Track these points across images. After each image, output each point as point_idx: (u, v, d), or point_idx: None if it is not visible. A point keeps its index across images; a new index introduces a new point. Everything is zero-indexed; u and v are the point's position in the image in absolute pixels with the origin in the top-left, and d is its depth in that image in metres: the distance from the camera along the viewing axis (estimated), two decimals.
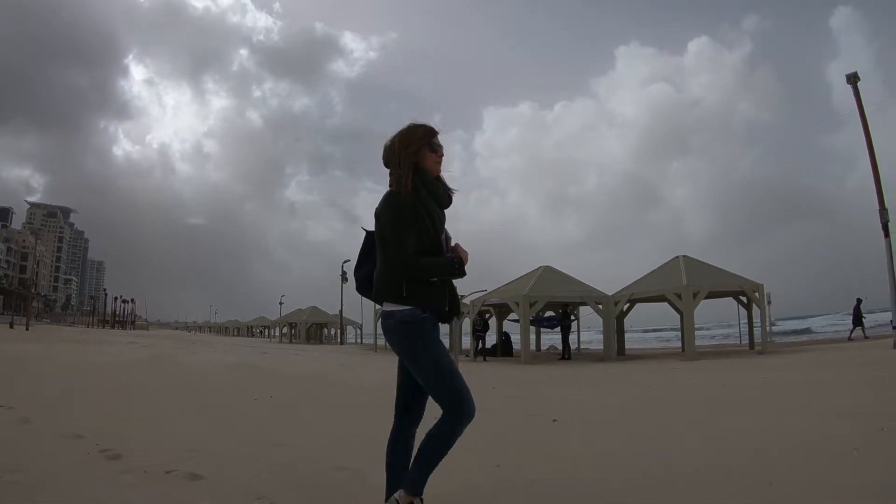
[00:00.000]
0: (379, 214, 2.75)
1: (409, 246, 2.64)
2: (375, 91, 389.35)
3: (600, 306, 18.82)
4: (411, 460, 2.72)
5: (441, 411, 2.63)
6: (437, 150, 2.83)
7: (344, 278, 41.84)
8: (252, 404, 7.02)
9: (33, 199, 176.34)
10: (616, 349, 19.19)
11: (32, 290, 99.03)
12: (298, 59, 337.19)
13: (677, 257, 18.80)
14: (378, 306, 2.80)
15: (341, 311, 42.08)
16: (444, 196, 2.84)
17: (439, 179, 2.87)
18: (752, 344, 19.48)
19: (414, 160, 2.77)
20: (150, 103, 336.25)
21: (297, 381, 10.89)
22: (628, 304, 20.48)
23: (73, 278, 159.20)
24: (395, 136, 2.84)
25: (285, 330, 48.38)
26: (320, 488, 3.43)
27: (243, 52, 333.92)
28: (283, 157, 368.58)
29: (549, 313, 21.72)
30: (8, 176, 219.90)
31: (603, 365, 16.17)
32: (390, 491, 2.71)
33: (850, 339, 20.97)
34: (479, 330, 20.22)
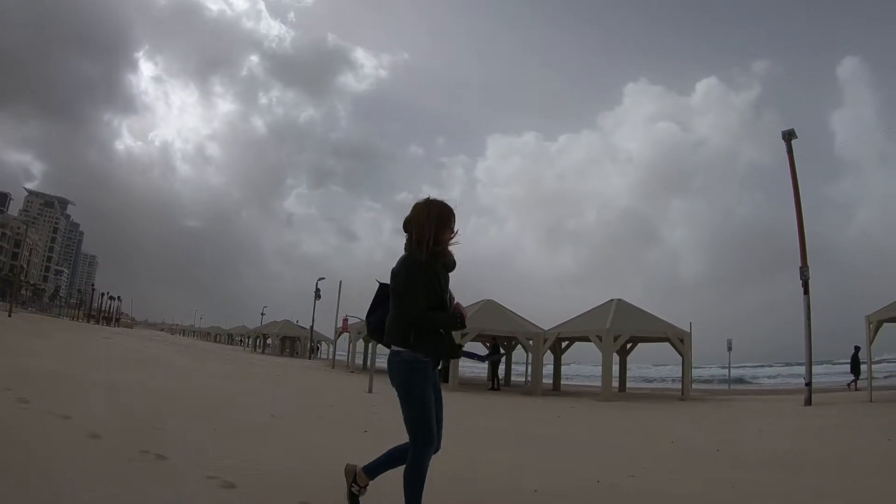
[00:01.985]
0: (396, 274, 3.26)
1: (421, 303, 3.16)
2: (382, 109, 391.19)
3: (530, 342, 19.90)
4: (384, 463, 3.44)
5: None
6: (452, 230, 3.33)
7: (317, 295, 42.99)
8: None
9: (32, 185, 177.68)
10: (541, 383, 20.27)
11: (21, 278, 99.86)
12: (308, 68, 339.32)
13: (611, 300, 19.84)
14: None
15: (312, 327, 43.15)
16: (450, 262, 3.37)
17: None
18: (682, 390, 19.70)
19: (434, 235, 3.24)
20: (157, 100, 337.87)
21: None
22: (567, 342, 21.71)
23: (65, 270, 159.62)
24: (420, 212, 3.29)
25: (269, 341, 48.88)
26: None
27: (254, 58, 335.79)
28: (285, 167, 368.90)
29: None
30: (8, 160, 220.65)
31: (520, 398, 17.19)
32: (374, 465, 3.45)
33: (849, 387, 20.85)
34: (398, 386, 21.21)
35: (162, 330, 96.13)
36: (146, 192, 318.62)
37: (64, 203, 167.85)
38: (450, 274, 3.40)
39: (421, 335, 3.21)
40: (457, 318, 3.27)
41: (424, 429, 3.21)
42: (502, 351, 21.39)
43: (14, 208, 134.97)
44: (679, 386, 21.70)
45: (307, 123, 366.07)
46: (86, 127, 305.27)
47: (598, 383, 19.44)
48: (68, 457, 4.25)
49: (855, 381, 20.75)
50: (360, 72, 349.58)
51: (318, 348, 47.15)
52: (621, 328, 18.11)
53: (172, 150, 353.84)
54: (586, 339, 19.41)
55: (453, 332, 3.37)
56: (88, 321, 70.62)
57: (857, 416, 12.07)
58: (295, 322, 47.77)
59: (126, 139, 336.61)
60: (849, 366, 21.37)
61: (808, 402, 15.17)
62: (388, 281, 3.36)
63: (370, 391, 14.90)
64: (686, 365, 18.91)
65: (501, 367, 22.10)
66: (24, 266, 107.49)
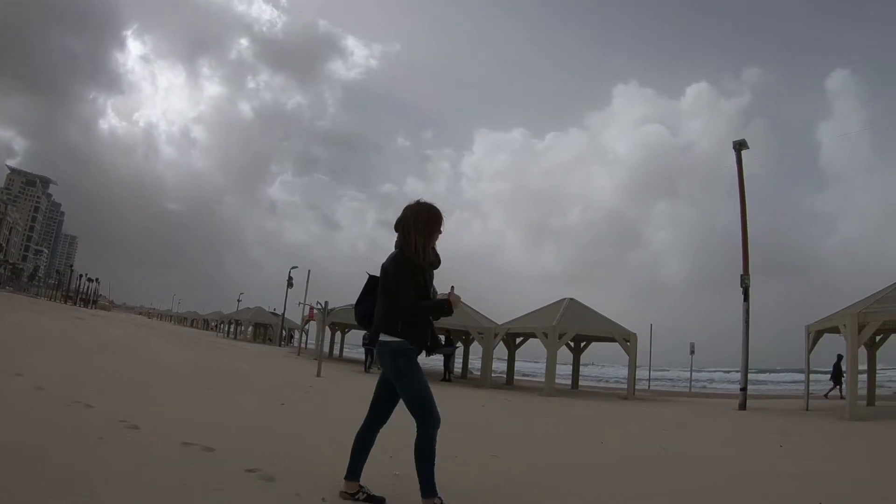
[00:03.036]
0: (386, 269, 3.55)
1: (409, 296, 3.45)
2: (370, 99, 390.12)
3: (482, 336, 20.41)
4: (368, 453, 3.66)
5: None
6: (441, 231, 3.64)
7: (290, 283, 43.30)
8: None
9: (14, 162, 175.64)
10: (490, 375, 20.94)
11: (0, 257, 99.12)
12: (298, 54, 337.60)
13: (563, 299, 20.32)
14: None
15: (283, 315, 43.50)
16: (436, 260, 3.66)
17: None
18: (633, 390, 19.96)
19: (421, 238, 3.52)
20: (143, 80, 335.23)
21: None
22: (522, 338, 22.23)
23: (44, 250, 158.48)
24: (411, 214, 3.57)
25: (244, 328, 48.91)
26: None
27: (243, 41, 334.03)
28: (270, 153, 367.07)
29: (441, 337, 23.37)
30: None
31: (467, 390, 17.67)
32: (352, 470, 3.62)
33: (825, 396, 20.18)
34: (368, 344, 21.76)
35: (140, 314, 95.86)
36: (129, 173, 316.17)
37: (46, 182, 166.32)
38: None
39: (407, 325, 3.46)
40: (444, 304, 3.49)
41: (427, 408, 3.43)
42: (458, 344, 21.89)
43: None
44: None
45: (294, 110, 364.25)
46: (70, 104, 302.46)
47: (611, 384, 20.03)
48: None
49: (835, 387, 20.41)
50: (350, 60, 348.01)
51: (292, 336, 47.39)
52: (567, 326, 18.60)
53: (157, 132, 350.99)
54: (534, 335, 19.95)
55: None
56: (66, 302, 70.47)
57: (772, 423, 12.11)
58: (272, 310, 47.97)
59: (110, 118, 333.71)
60: (830, 374, 21.00)
61: (743, 406, 15.48)
62: (377, 273, 3.64)
63: (319, 375, 15.51)
64: (631, 365, 19.24)
65: (459, 361, 22.67)
66: (4, 245, 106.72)
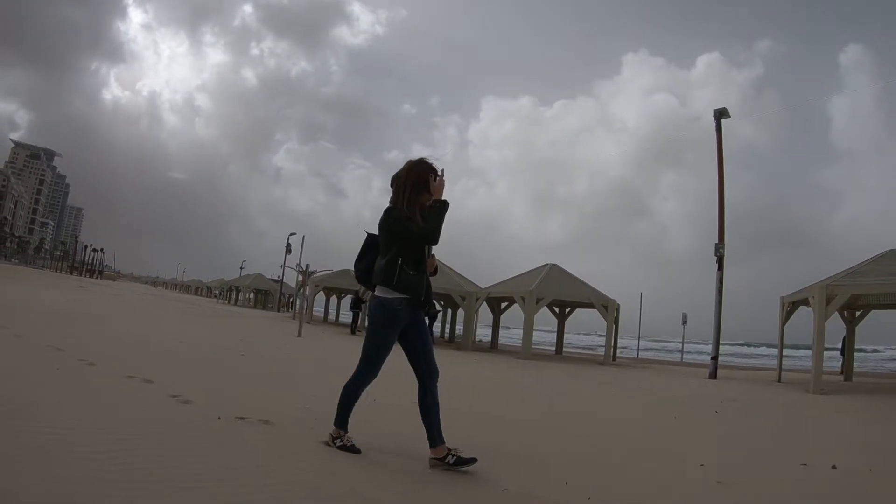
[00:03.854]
0: (382, 223, 3.63)
1: (415, 226, 3.53)
2: (376, 65, 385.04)
3: (464, 300, 20.67)
4: (436, 415, 3.64)
5: (422, 380, 3.67)
6: (430, 192, 3.63)
7: (288, 250, 43.68)
8: None
9: (17, 136, 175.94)
10: (472, 337, 21.46)
11: (5, 230, 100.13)
12: (302, 19, 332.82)
13: (545, 265, 20.54)
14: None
15: (281, 280, 43.94)
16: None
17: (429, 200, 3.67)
18: (611, 355, 20.41)
19: (416, 189, 3.60)
20: (146, 49, 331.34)
21: None
22: (507, 303, 22.45)
23: (50, 222, 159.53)
24: (402, 174, 3.66)
25: (249, 295, 49.59)
26: None
27: (247, 7, 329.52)
28: (275, 121, 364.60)
29: None
30: None
31: (448, 351, 17.96)
32: (430, 435, 3.62)
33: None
34: (354, 307, 22.19)
35: (146, 283, 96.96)
36: (133, 143, 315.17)
37: (50, 155, 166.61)
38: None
39: (402, 278, 3.55)
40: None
41: (371, 363, 3.65)
42: (438, 307, 22.20)
43: None
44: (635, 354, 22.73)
45: (299, 77, 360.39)
46: (72, 75, 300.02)
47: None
48: None
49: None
50: (355, 26, 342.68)
51: (294, 302, 47.83)
52: (544, 291, 18.80)
53: (160, 101, 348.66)
54: (513, 299, 20.17)
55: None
56: (71, 273, 71.40)
57: (727, 391, 12.05)
58: (274, 277, 48.37)
59: (113, 88, 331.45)
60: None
61: (713, 375, 15.58)
62: (375, 231, 3.73)
63: (300, 335, 16.00)
64: (608, 331, 19.49)
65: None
66: (9, 218, 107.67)
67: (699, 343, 49.18)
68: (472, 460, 3.54)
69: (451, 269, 22.19)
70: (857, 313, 16.46)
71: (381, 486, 3.16)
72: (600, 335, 45.67)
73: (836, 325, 18.22)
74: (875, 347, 44.40)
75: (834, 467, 4.44)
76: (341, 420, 3.74)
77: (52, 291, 22.86)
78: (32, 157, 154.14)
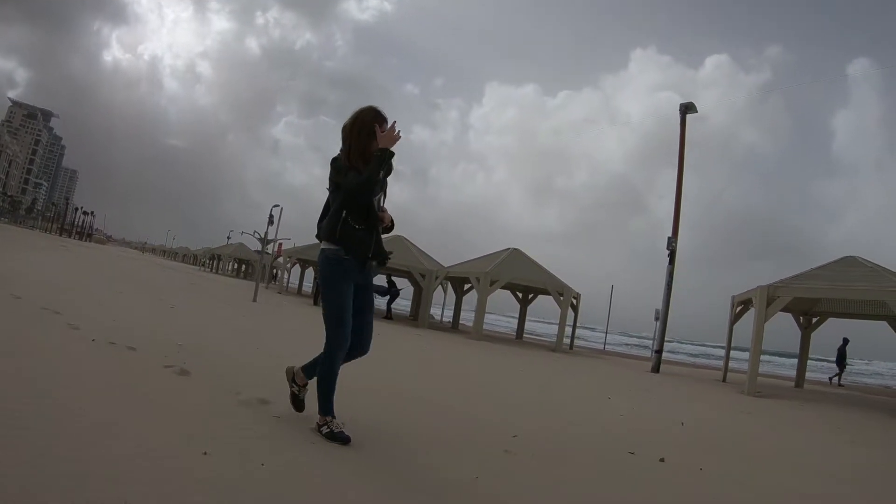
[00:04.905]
0: (329, 177, 3.49)
1: (353, 179, 3.32)
2: (382, 42, 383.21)
3: (423, 277, 20.90)
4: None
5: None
6: (377, 139, 3.40)
7: (270, 221, 43.66)
8: None
9: (15, 94, 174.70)
10: (427, 315, 21.85)
11: None
12: None
13: (507, 249, 20.82)
14: None
15: (262, 251, 43.91)
16: (388, 166, 3.47)
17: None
18: (562, 342, 20.28)
19: (361, 138, 3.42)
20: (150, 12, 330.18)
21: None
22: (469, 285, 22.67)
23: (44, 183, 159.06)
24: (350, 121, 3.48)
25: (225, 264, 49.75)
26: None
27: None
28: (276, 93, 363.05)
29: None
30: None
31: (403, 327, 18.27)
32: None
33: (830, 381, 20.10)
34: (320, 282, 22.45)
35: (135, 248, 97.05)
36: (131, 107, 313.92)
37: (47, 115, 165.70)
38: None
39: (345, 231, 3.36)
40: (384, 153, 3.32)
41: (335, 326, 3.35)
42: (399, 287, 22.44)
43: None
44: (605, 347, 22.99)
45: (303, 49, 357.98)
46: (73, 35, 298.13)
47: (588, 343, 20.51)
48: None
49: (839, 374, 20.13)
50: (364, 1, 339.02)
51: (277, 274, 47.93)
52: (499, 274, 19.01)
53: (161, 66, 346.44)
54: (468, 279, 20.42)
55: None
56: (61, 235, 71.47)
57: (647, 383, 12.13)
58: (265, 249, 48.27)
59: (114, 50, 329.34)
60: (835, 359, 20.46)
61: (656, 369, 15.66)
62: None
63: (255, 300, 16.44)
64: (562, 319, 19.51)
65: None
66: (3, 177, 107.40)
67: (681, 342, 49.86)
68: (347, 438, 3.35)
69: (415, 247, 22.50)
70: (814, 320, 16.21)
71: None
72: (589, 327, 46.48)
73: (830, 337, 18.17)
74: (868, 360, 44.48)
75: (662, 460, 4.26)
76: (325, 405, 3.42)
77: (23, 253, 23.04)
78: (29, 117, 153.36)
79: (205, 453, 2.74)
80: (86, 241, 73.94)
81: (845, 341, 19.90)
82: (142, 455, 2.56)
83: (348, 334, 3.38)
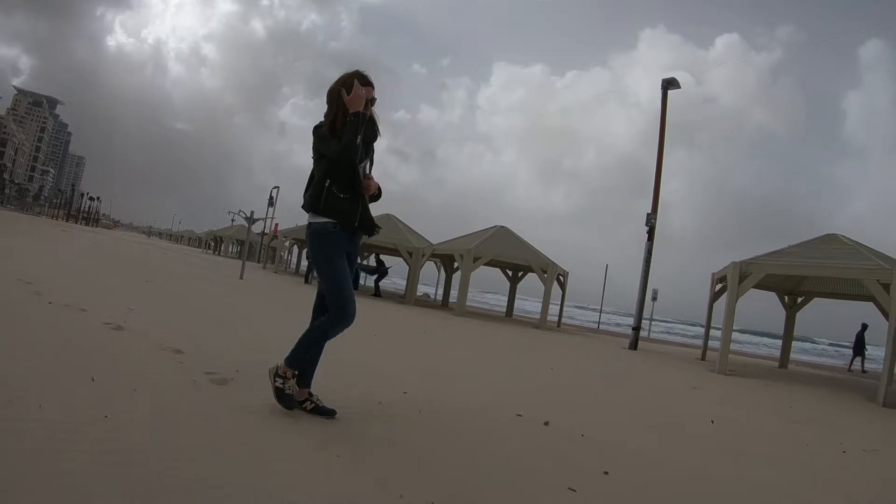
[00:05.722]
0: (313, 145, 3.36)
1: (335, 146, 3.23)
2: (388, 22, 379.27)
3: (410, 255, 21.28)
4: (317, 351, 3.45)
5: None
6: (367, 86, 3.37)
7: (270, 202, 44.03)
8: None
9: (19, 81, 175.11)
10: (415, 293, 22.41)
11: (5, 177, 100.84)
12: None
13: (494, 226, 21.10)
14: None
15: (262, 233, 44.38)
16: (369, 134, 3.41)
17: (370, 118, 3.42)
18: (546, 319, 20.34)
19: (340, 113, 3.30)
20: None
21: None
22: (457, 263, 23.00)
23: (51, 170, 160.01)
24: (334, 85, 3.38)
25: (226, 245, 50.41)
26: None
27: None
28: (282, 75, 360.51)
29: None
30: None
31: (391, 304, 18.76)
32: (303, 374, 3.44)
33: (850, 370, 19.35)
34: (310, 258, 22.86)
35: (142, 233, 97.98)
36: (136, 92, 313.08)
37: (53, 102, 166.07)
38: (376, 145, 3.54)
39: (330, 201, 3.28)
40: (357, 116, 3.27)
41: (342, 301, 3.27)
42: (387, 265, 22.83)
43: (1, 106, 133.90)
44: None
45: (309, 30, 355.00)
46: (76, 20, 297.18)
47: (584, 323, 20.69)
48: None
49: (861, 360, 19.73)
50: None
51: (280, 255, 48.38)
52: (483, 251, 19.23)
53: (166, 49, 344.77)
54: (453, 256, 20.72)
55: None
56: (67, 221, 72.22)
57: (620, 363, 11.90)
58: (265, 230, 48.65)
59: (118, 35, 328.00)
60: (851, 346, 20.17)
61: (633, 346, 15.72)
62: None
63: (241, 277, 16.78)
64: (546, 296, 19.57)
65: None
66: (9, 165, 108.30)
67: (692, 325, 49.94)
68: (332, 412, 3.43)
69: (403, 224, 22.89)
70: (799, 300, 16.00)
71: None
72: (593, 308, 46.58)
73: (850, 322, 18.14)
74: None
75: (546, 423, 4.30)
76: (295, 358, 3.35)
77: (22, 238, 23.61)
78: (35, 105, 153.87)
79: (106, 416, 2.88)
80: (92, 226, 74.72)
81: (864, 327, 19.53)
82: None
83: (354, 308, 3.32)
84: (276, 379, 3.33)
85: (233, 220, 58.84)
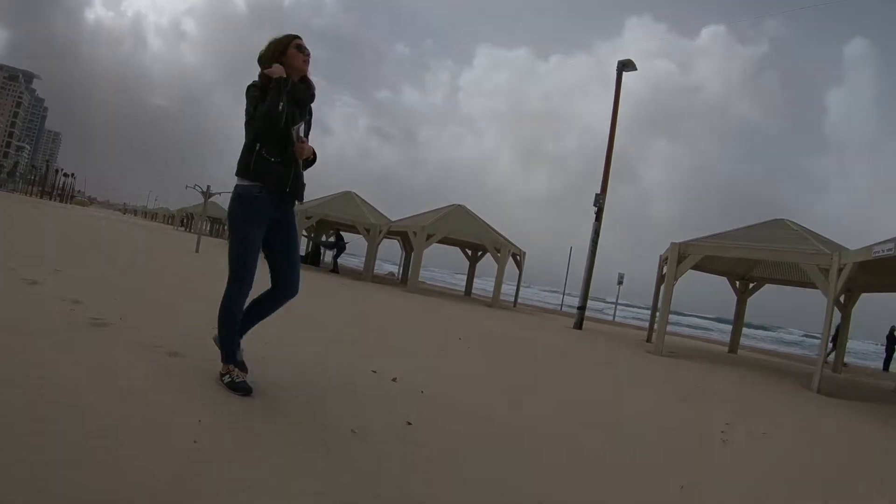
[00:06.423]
0: (246, 108, 3.24)
1: (259, 113, 3.14)
2: (372, 1, 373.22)
3: (368, 231, 21.43)
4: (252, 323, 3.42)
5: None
6: (303, 51, 3.33)
7: None
8: None
9: None
10: (372, 269, 22.57)
11: None
12: None
13: (451, 205, 21.32)
14: None
15: (204, 204, 44.05)
16: (302, 95, 3.32)
17: (304, 80, 3.37)
18: (505, 300, 21.14)
19: (282, 61, 3.24)
20: None
21: None
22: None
23: (26, 146, 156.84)
24: (265, 46, 3.31)
25: (198, 223, 49.35)
26: None
27: None
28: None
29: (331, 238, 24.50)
30: None
31: (349, 280, 19.04)
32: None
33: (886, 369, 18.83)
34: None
35: (118, 210, 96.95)
36: (115, 66, 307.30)
37: (29, 77, 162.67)
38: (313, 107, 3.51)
39: (260, 165, 3.19)
40: (280, 81, 3.18)
41: (238, 264, 3.22)
42: (346, 241, 22.94)
43: None
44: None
45: (291, 6, 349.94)
46: None
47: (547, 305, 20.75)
48: None
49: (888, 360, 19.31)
50: None
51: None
52: (436, 229, 19.46)
53: (146, 23, 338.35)
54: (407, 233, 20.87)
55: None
56: (41, 197, 71.30)
57: (567, 342, 11.79)
58: None
59: (97, 8, 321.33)
60: (885, 346, 19.77)
61: (579, 326, 15.95)
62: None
63: (197, 251, 17.07)
64: (498, 274, 19.84)
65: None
66: None
67: (645, 308, 50.25)
68: (247, 391, 3.25)
69: (361, 199, 23.13)
70: (751, 285, 16.11)
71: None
72: (570, 294, 46.40)
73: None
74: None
75: (394, 380, 4.39)
76: (227, 352, 3.33)
77: None
78: (10, 79, 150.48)
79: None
80: (67, 203, 73.86)
81: (892, 329, 19.35)
82: None
83: (250, 279, 3.26)
84: (223, 378, 3.30)
85: (209, 196, 58.71)
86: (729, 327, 18.82)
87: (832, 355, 18.56)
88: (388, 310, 11.84)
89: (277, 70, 3.20)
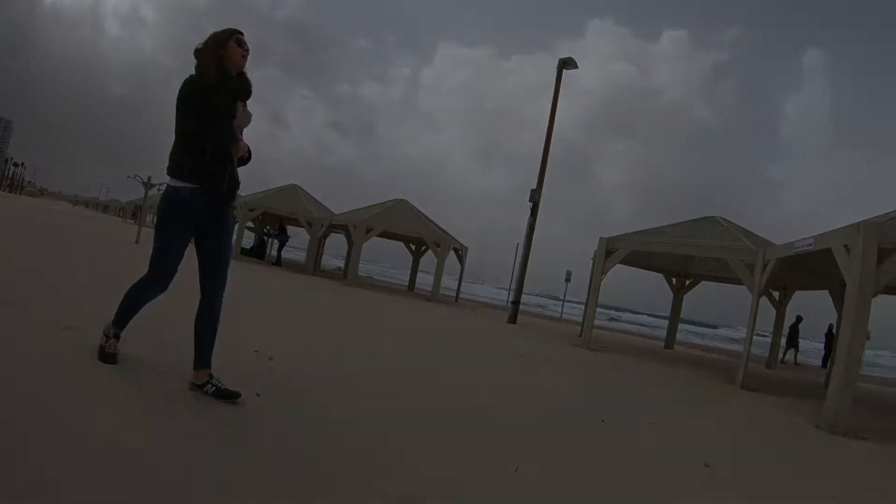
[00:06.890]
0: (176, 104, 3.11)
1: (192, 119, 3.06)
2: None
3: (311, 225, 21.58)
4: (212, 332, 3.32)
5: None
6: (242, 46, 3.22)
7: None
8: None
9: None
10: (314, 263, 22.72)
11: None
12: None
13: (394, 199, 21.50)
14: None
15: (146, 195, 43.41)
16: (238, 88, 3.23)
17: (242, 75, 3.27)
18: (445, 295, 21.42)
19: (222, 54, 3.14)
20: None
21: None
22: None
23: None
24: (209, 38, 3.20)
25: (145, 216, 48.32)
26: None
27: None
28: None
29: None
30: None
31: (290, 273, 19.05)
32: (197, 357, 3.30)
33: (783, 361, 18.59)
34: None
35: (69, 202, 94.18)
36: (72, 52, 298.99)
37: None
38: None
39: (195, 165, 3.09)
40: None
41: (160, 261, 3.21)
42: (289, 234, 23.04)
43: None
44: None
45: None
46: None
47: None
48: None
49: (794, 352, 19.97)
50: None
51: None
52: (375, 223, 19.71)
53: (104, 9, 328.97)
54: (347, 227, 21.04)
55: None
56: None
57: (490, 335, 11.82)
58: None
59: None
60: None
61: (513, 320, 16.13)
62: None
63: (137, 241, 16.67)
64: (437, 269, 19.95)
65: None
66: None
67: (613, 309, 51.24)
68: (236, 394, 3.22)
69: (304, 192, 23.39)
70: (687, 282, 16.31)
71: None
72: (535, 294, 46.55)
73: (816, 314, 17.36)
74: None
75: (271, 359, 4.64)
76: (120, 316, 3.41)
77: None
78: None
79: None
80: (17, 193, 71.53)
81: (798, 319, 19.62)
82: None
83: (166, 281, 3.27)
84: (102, 337, 3.36)
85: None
86: (687, 326, 18.68)
87: (789, 354, 19.68)
88: (313, 301, 11.95)
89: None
